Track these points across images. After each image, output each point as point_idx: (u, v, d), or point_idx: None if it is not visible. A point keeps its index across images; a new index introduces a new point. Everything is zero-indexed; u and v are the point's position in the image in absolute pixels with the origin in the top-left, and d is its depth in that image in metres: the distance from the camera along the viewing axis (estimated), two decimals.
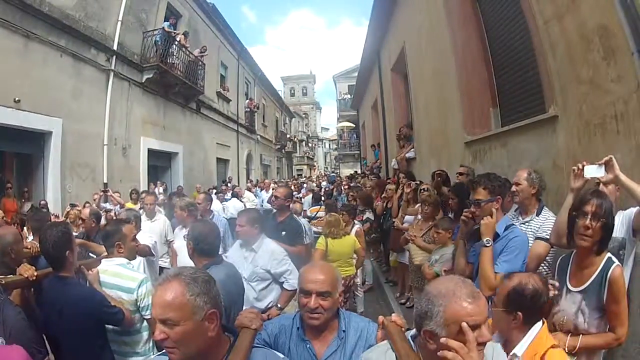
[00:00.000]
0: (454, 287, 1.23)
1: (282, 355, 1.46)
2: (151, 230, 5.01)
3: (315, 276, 1.74)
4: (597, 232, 1.88)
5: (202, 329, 1.23)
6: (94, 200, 7.88)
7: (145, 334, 2.55)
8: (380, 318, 1.59)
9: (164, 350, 1.32)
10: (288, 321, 1.83)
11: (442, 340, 1.19)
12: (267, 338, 1.74)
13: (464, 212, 2.71)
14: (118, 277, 2.53)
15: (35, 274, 2.24)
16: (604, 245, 1.92)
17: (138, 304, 2.48)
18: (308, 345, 1.73)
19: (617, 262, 1.88)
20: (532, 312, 1.60)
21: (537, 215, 2.70)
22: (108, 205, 7.61)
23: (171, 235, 5.30)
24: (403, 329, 1.49)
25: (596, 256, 1.92)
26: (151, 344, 2.55)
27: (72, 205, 6.80)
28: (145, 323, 2.55)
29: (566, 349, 1.84)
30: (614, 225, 1.93)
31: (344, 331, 1.75)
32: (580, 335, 1.89)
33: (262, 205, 11.20)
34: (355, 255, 4.74)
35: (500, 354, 1.41)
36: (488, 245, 2.31)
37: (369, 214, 6.70)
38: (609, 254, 1.92)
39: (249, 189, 13.55)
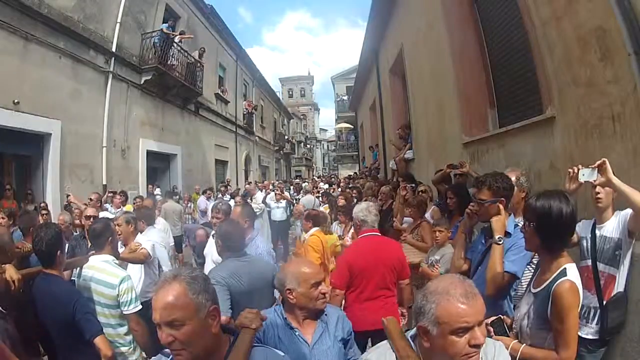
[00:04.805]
0: (449, 285, 1.23)
1: (282, 354, 1.47)
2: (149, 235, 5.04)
3: (312, 269, 1.99)
4: (530, 234, 1.84)
5: (207, 326, 1.26)
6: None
7: (127, 327, 2.72)
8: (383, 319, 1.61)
9: (160, 354, 1.36)
10: (271, 314, 1.95)
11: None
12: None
13: (470, 206, 2.71)
14: (102, 273, 2.69)
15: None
16: (551, 243, 1.80)
17: (118, 299, 2.64)
18: (297, 333, 1.90)
19: (569, 275, 1.71)
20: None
21: None
22: (109, 208, 7.59)
23: (171, 240, 5.34)
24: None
25: (552, 260, 1.79)
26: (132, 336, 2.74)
27: (68, 209, 6.81)
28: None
29: (509, 350, 1.73)
30: (557, 225, 1.75)
31: (326, 315, 1.98)
32: (523, 345, 1.80)
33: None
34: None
35: (502, 352, 1.41)
36: (500, 242, 2.28)
37: None
38: (566, 265, 1.74)
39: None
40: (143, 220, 4.29)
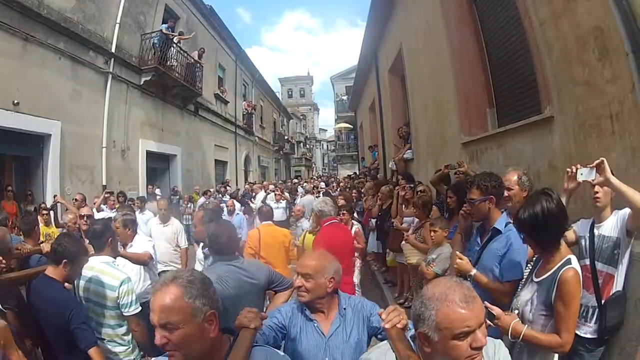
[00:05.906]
0: (447, 290, 1.21)
1: (282, 353, 1.48)
2: (163, 234, 5.03)
3: (304, 261, 2.05)
4: (527, 242, 1.96)
5: (203, 331, 1.24)
6: (95, 203, 7.86)
7: (125, 327, 2.74)
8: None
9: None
10: (297, 304, 2.05)
11: None
12: (281, 319, 1.95)
13: (463, 207, 2.81)
14: (102, 274, 2.70)
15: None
16: (547, 243, 1.93)
17: (118, 301, 2.65)
18: (315, 324, 1.96)
19: (574, 264, 1.86)
20: None
21: None
22: (106, 209, 7.60)
23: (182, 241, 5.31)
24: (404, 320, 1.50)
25: (554, 252, 1.92)
26: (131, 336, 2.76)
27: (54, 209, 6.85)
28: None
29: (510, 330, 1.85)
30: (547, 225, 1.88)
31: (344, 308, 2.01)
32: (526, 326, 1.88)
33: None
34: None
35: (501, 349, 1.41)
36: (471, 277, 2.37)
37: None
38: (570, 256, 1.90)
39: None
40: None
